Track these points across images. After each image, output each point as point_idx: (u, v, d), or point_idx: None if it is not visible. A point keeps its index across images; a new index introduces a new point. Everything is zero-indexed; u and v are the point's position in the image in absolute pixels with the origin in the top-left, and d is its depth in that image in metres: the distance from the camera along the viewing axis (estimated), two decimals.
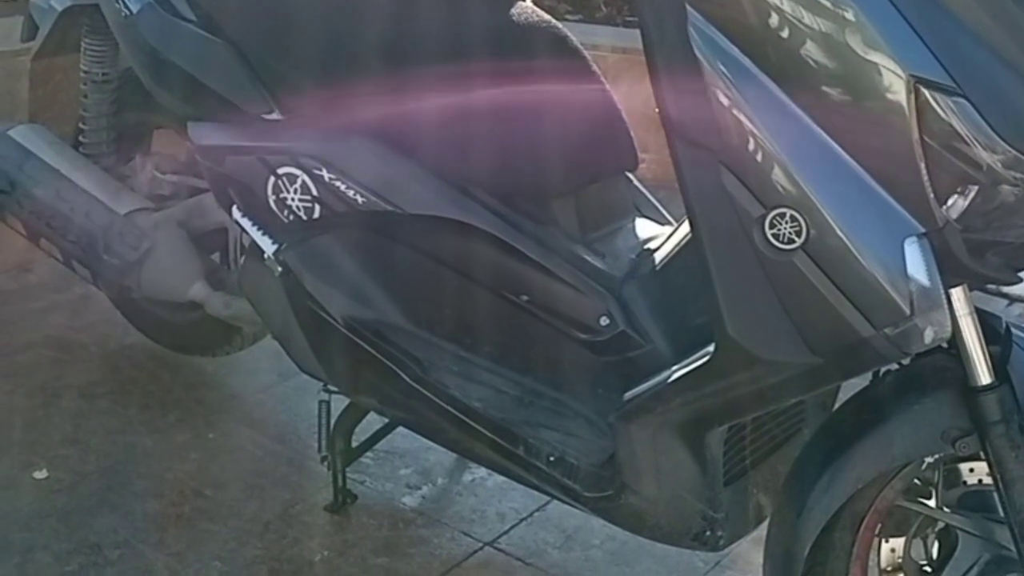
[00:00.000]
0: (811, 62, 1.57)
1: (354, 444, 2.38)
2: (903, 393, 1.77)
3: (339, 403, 2.28)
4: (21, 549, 2.19)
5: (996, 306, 2.97)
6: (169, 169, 2.51)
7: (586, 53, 2.13)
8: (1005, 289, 3.03)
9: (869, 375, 1.80)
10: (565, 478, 1.95)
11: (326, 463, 2.33)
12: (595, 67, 2.12)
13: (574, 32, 2.21)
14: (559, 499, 2.00)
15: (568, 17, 4.32)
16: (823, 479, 1.77)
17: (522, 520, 2.39)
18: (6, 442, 2.49)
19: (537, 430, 1.97)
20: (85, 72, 2.53)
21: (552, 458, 1.95)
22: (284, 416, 2.64)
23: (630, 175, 2.19)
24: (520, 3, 2.15)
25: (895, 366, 1.79)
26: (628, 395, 1.86)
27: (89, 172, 2.47)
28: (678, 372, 1.79)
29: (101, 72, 2.52)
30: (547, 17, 2.15)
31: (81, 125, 2.57)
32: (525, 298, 2.03)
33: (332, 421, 2.30)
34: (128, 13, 2.24)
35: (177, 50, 2.19)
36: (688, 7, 1.62)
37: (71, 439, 2.52)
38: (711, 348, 1.71)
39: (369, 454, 2.48)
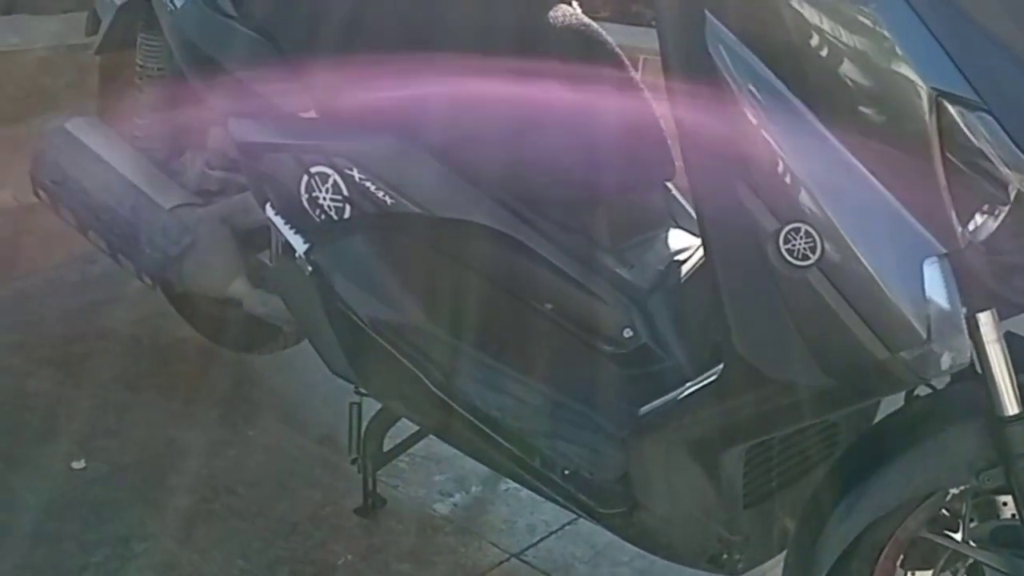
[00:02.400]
0: (848, 81, 1.51)
1: (387, 447, 2.36)
2: (930, 419, 1.70)
3: (372, 405, 2.27)
4: (50, 538, 2.21)
5: None
6: (218, 165, 2.51)
7: (626, 59, 2.08)
8: None
9: (902, 398, 1.74)
10: (579, 492, 1.91)
11: (356, 466, 2.32)
12: (634, 73, 2.07)
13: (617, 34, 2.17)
14: (575, 513, 1.97)
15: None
16: (842, 505, 1.70)
17: (552, 533, 2.35)
18: (50, 431, 2.51)
19: (554, 442, 1.94)
20: (140, 66, 2.56)
21: (567, 471, 1.91)
22: (325, 417, 2.63)
23: (670, 185, 2.14)
24: (560, 5, 2.11)
25: (926, 390, 1.73)
26: (643, 410, 1.82)
27: (139, 166, 2.49)
28: (689, 389, 1.74)
29: (156, 67, 2.53)
30: (587, 20, 2.11)
31: (136, 119, 2.59)
32: (550, 306, 2.00)
33: (364, 423, 2.29)
34: (173, 8, 2.26)
35: (217, 46, 2.19)
36: (707, 14, 1.58)
37: (113, 431, 2.54)
38: (721, 365, 1.66)
39: (404, 458, 2.46)
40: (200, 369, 2.81)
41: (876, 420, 1.87)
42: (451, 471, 2.50)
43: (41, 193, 2.56)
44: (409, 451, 2.43)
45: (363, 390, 2.21)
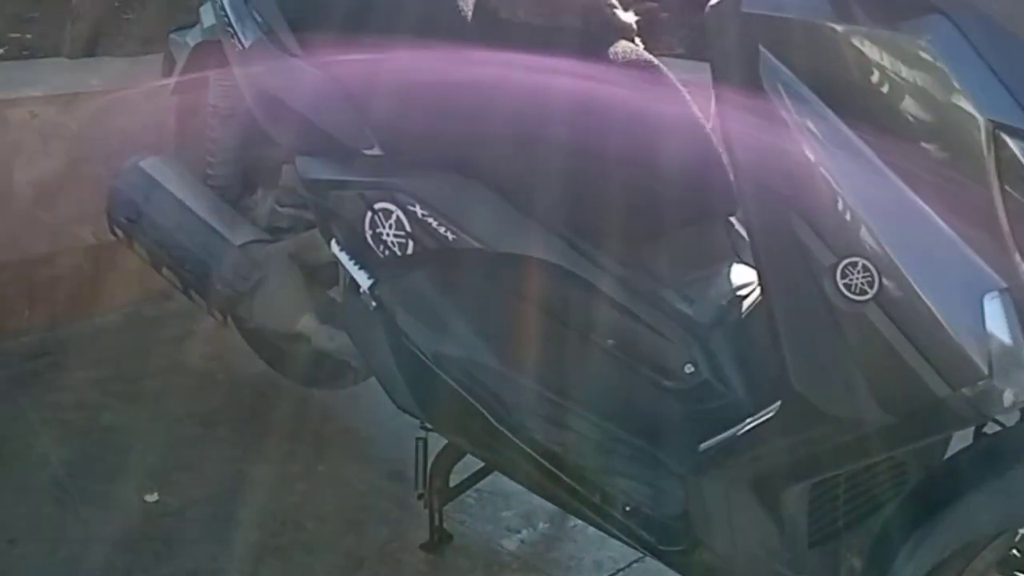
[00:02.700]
0: (909, 117, 1.50)
1: (454, 483, 2.36)
2: (998, 457, 1.66)
3: (439, 441, 2.27)
4: (121, 571, 2.23)
5: None
6: (288, 202, 2.54)
7: (686, 93, 2.08)
8: None
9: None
10: (640, 529, 1.89)
11: (423, 501, 2.32)
12: (695, 108, 2.06)
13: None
14: (636, 549, 1.95)
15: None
16: (908, 545, 1.66)
17: (619, 570, 2.33)
18: (124, 465, 2.55)
19: (615, 478, 1.92)
20: (213, 106, 2.60)
21: (628, 508, 1.90)
22: (395, 452, 2.63)
23: (733, 219, 2.13)
24: (621, 41, 2.11)
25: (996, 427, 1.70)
26: (702, 447, 1.80)
27: (210, 204, 2.53)
28: (748, 425, 1.72)
29: (227, 106, 2.58)
30: (647, 56, 2.10)
31: (209, 158, 2.64)
32: (611, 342, 1.99)
33: (431, 458, 2.29)
34: (242, 48, 2.30)
35: (283, 85, 2.23)
36: (762, 50, 1.57)
37: (185, 465, 2.57)
38: (779, 402, 1.64)
39: (472, 494, 2.46)
40: (272, 404, 2.84)
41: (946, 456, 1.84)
42: (518, 507, 2.49)
43: (117, 231, 2.61)
44: (476, 487, 2.43)
45: (428, 425, 2.22)
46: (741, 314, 1.93)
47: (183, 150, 3.00)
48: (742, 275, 2.05)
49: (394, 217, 2.08)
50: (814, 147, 1.55)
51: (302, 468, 2.60)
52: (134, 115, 3.06)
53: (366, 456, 2.67)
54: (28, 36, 3.81)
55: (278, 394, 2.86)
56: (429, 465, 2.29)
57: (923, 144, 1.49)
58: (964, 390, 1.49)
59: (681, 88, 2.08)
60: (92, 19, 3.48)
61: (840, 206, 1.53)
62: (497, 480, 2.43)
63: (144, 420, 2.72)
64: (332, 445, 2.70)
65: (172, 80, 2.69)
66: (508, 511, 2.49)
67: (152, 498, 2.45)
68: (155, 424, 2.71)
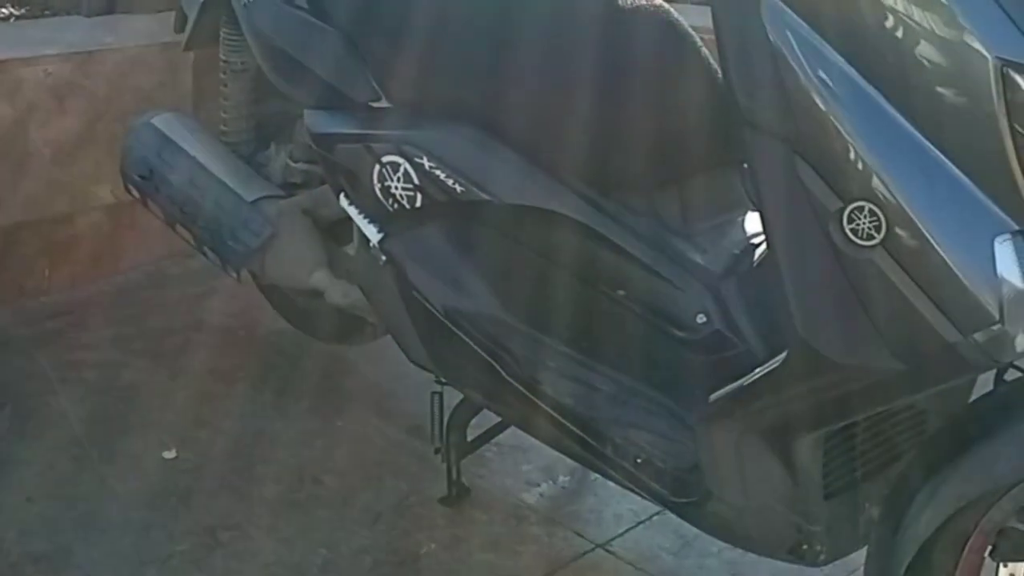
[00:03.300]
0: (925, 62, 1.46)
1: (472, 437, 2.35)
2: (1018, 404, 1.62)
3: (456, 395, 2.25)
4: (139, 527, 2.23)
5: None
6: (301, 157, 2.52)
7: (697, 38, 2.03)
8: None
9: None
10: (652, 481, 1.87)
11: (440, 455, 2.31)
12: (706, 52, 2.02)
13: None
14: (650, 501, 1.93)
15: None
16: (923, 495, 1.63)
17: (640, 523, 2.32)
18: (143, 421, 2.55)
19: (626, 430, 1.90)
20: (224, 61, 2.57)
21: (639, 460, 1.87)
22: (414, 406, 2.60)
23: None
24: None
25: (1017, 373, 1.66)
26: (712, 397, 1.77)
27: (223, 159, 2.51)
28: (756, 375, 1.69)
29: (240, 61, 2.55)
30: (659, 2, 2.06)
31: (222, 114, 2.62)
32: (622, 293, 1.96)
33: (448, 412, 2.28)
34: (247, 1, 2.27)
35: (288, 38, 2.21)
36: None
37: (204, 421, 2.56)
38: (785, 352, 1.61)
39: (491, 447, 2.44)
40: (293, 360, 2.83)
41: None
42: (538, 460, 2.47)
43: (131, 188, 2.60)
44: (496, 440, 2.41)
45: (443, 379, 2.21)
46: (753, 263, 1.89)
47: (201, 106, 3.00)
48: (757, 223, 2.00)
49: (402, 170, 2.06)
50: (820, 92, 1.51)
51: (321, 424, 2.59)
52: (151, 72, 3.05)
53: (386, 411, 2.66)
54: None
55: (299, 350, 2.85)
56: (446, 419, 2.28)
57: (937, 89, 1.45)
58: (975, 335, 1.45)
59: (693, 33, 2.04)
60: None
61: (846, 150, 1.49)
62: (516, 434, 2.40)
63: (164, 377, 2.72)
64: (352, 400, 2.69)
65: (184, 36, 2.67)
66: (528, 464, 2.48)
67: (170, 455, 2.44)
68: (175, 381, 2.71)
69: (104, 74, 3.00)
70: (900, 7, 1.46)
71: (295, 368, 2.80)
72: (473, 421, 2.32)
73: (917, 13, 1.45)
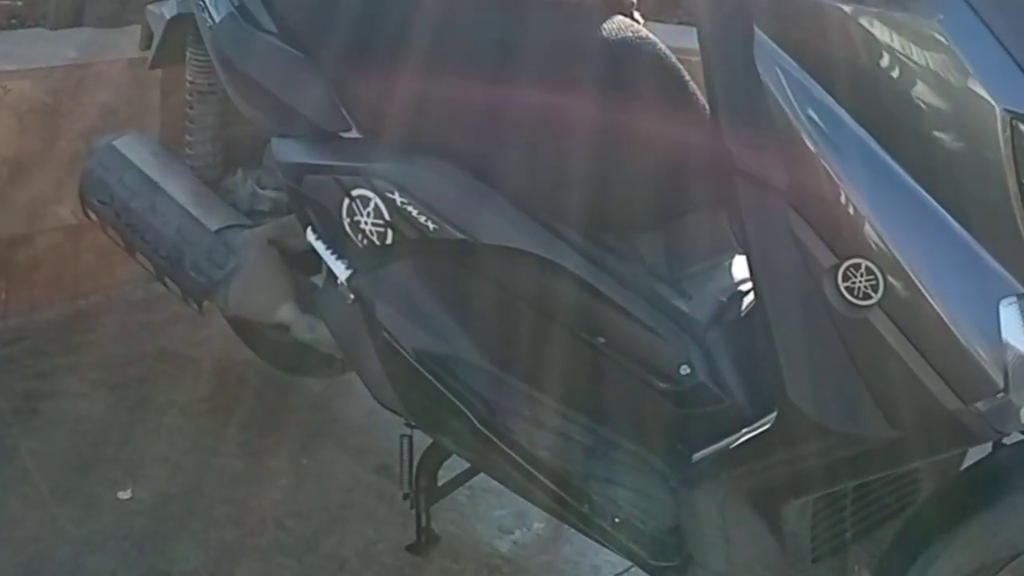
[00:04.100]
0: (921, 104, 1.37)
1: (444, 480, 2.24)
2: (1017, 472, 1.53)
3: (426, 437, 2.15)
4: (90, 572, 2.12)
5: None
6: (269, 184, 2.41)
7: (685, 73, 1.93)
8: None
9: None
10: (630, 542, 1.77)
11: (408, 501, 2.20)
12: (695, 88, 1.92)
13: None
14: (629, 560, 1.83)
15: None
16: (917, 565, 1.54)
17: (618, 575, 2.21)
18: (98, 457, 2.44)
19: (605, 486, 1.80)
20: (190, 82, 2.47)
21: (617, 520, 1.77)
22: (383, 444, 2.51)
23: None
24: (617, 17, 1.97)
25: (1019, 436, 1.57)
26: (696, 456, 1.68)
27: (188, 185, 2.40)
28: (743, 437, 1.59)
29: (207, 83, 2.44)
30: (644, 33, 1.96)
31: (187, 137, 2.51)
32: (602, 340, 1.85)
33: (418, 456, 2.17)
34: (212, 23, 2.17)
35: (255, 63, 2.10)
36: (756, 30, 1.44)
37: (163, 458, 2.46)
38: (775, 413, 1.52)
39: (464, 491, 2.34)
40: (258, 393, 2.72)
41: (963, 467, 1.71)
42: (512, 505, 2.36)
43: (90, 213, 2.49)
44: (468, 483, 2.31)
45: (412, 423, 2.11)
46: (740, 312, 1.80)
47: (169, 124, 2.89)
48: (743, 268, 1.91)
49: (372, 204, 1.95)
50: (814, 138, 1.42)
51: (286, 461, 2.48)
52: (116, 89, 2.94)
53: (354, 448, 2.55)
54: (19, 3, 3.67)
55: (265, 382, 2.75)
56: (416, 463, 2.18)
57: (935, 133, 1.36)
58: (977, 404, 1.37)
59: (680, 67, 1.94)
60: None
61: (842, 202, 1.40)
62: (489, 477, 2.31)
63: (122, 410, 2.61)
64: (318, 436, 2.59)
65: (150, 54, 2.56)
66: (501, 510, 2.38)
67: (126, 495, 2.34)
68: (134, 414, 2.60)
69: (67, 90, 2.89)
70: (897, 46, 1.37)
71: (260, 401, 2.69)
72: (446, 463, 2.21)
73: (916, 52, 1.36)
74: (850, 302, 1.41)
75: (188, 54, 2.44)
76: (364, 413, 2.65)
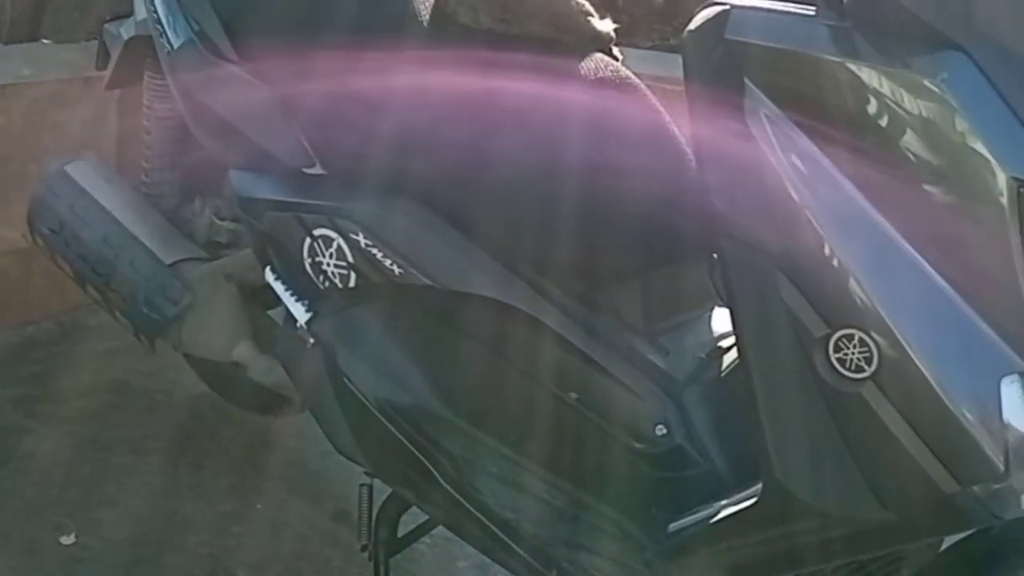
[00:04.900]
0: (910, 155, 1.29)
1: (405, 531, 2.14)
2: (1006, 552, 1.45)
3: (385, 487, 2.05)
4: None
5: None
6: (229, 215, 2.30)
7: (667, 116, 1.84)
8: None
9: None
10: None
11: (367, 553, 2.10)
12: (675, 132, 1.83)
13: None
14: None
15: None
16: None
17: None
18: (41, 499, 2.32)
19: (576, 553, 1.70)
20: (147, 107, 2.35)
21: None
22: (342, 489, 2.41)
23: (716, 256, 1.90)
24: (595, 55, 1.88)
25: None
26: (672, 527, 1.58)
27: (142, 215, 2.29)
28: (724, 511, 1.50)
29: (165, 108, 2.33)
30: (624, 73, 1.87)
31: (144, 164, 2.40)
32: (574, 395, 1.76)
33: (377, 505, 2.07)
34: (170, 49, 2.06)
35: (215, 93, 1.99)
36: (746, 81, 1.35)
37: (110, 500, 2.34)
38: (759, 487, 1.42)
39: (426, 539, 2.23)
40: (213, 430, 2.61)
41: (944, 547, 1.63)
42: (476, 557, 2.24)
43: (38, 240, 2.37)
44: (431, 532, 2.21)
45: (372, 473, 2.00)
46: (721, 371, 1.71)
47: (127, 145, 2.77)
48: (725, 322, 1.82)
49: (335, 245, 1.85)
50: (806, 198, 1.33)
51: (240, 505, 2.38)
52: (72, 108, 2.82)
53: (311, 492, 2.45)
54: None
55: (220, 419, 2.64)
56: (375, 513, 2.08)
57: (931, 189, 1.28)
58: (975, 488, 1.28)
59: (660, 108, 1.85)
60: None
61: (834, 267, 1.31)
62: None
63: (68, 447, 2.49)
64: (274, 479, 2.48)
65: (106, 75, 2.45)
66: (464, 560, 2.29)
67: (69, 540, 2.22)
68: (82, 452, 2.48)
69: (19, 109, 2.77)
70: (886, 91, 1.29)
71: (214, 439, 2.59)
72: (406, 513, 2.11)
73: (918, 108, 1.28)
74: (842, 375, 1.32)
75: (146, 78, 2.33)
76: (320, 454, 2.52)
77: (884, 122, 1.31)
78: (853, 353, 1.31)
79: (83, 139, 2.74)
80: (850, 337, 1.31)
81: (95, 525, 2.26)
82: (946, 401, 1.27)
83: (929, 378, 1.27)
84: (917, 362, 1.28)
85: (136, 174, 2.44)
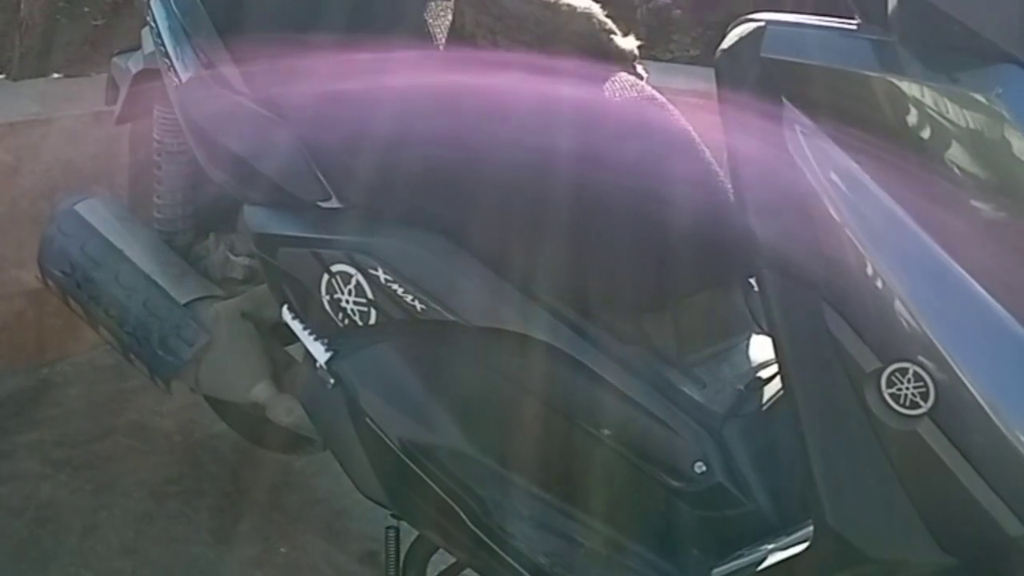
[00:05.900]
0: (956, 169, 1.21)
1: (435, 573, 2.06)
2: None
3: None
4: None
5: None
6: (244, 250, 2.24)
7: (696, 136, 1.77)
8: None
9: None
10: None
11: None
12: (707, 152, 1.76)
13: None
14: None
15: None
16: None
17: None
18: (59, 548, 2.25)
19: None
20: (157, 141, 2.29)
21: None
22: (368, 529, 2.33)
23: (753, 281, 1.82)
24: (619, 75, 1.81)
25: None
26: (716, 572, 1.50)
27: (155, 254, 2.22)
28: (772, 557, 1.42)
29: (176, 142, 2.26)
30: (651, 91, 1.80)
31: (156, 200, 2.33)
32: (607, 432, 1.68)
33: (406, 547, 1.99)
34: (179, 83, 2.00)
35: (227, 127, 1.93)
36: (784, 101, 1.27)
37: (129, 547, 2.27)
38: (810, 531, 1.34)
39: None
40: (234, 471, 2.54)
41: None
42: None
43: (50, 283, 2.31)
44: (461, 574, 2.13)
45: (398, 516, 1.93)
46: (762, 404, 1.63)
47: (139, 180, 2.70)
48: (764, 351, 1.73)
49: (354, 281, 1.78)
50: (852, 224, 1.25)
51: (262, 550, 2.30)
52: (83, 145, 2.76)
53: (337, 533, 2.37)
54: None
55: (241, 458, 2.56)
56: (403, 555, 2.00)
57: (979, 206, 1.21)
58: None
59: (689, 128, 1.78)
60: (44, 31, 3.15)
61: (885, 297, 1.23)
62: None
63: (87, 492, 2.42)
64: (298, 520, 2.40)
65: (116, 109, 2.39)
66: None
67: None
68: (99, 498, 2.41)
69: (28, 147, 2.71)
70: (928, 101, 1.21)
71: (235, 480, 2.51)
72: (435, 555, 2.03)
73: (953, 111, 1.20)
74: (896, 412, 1.24)
75: (156, 111, 2.27)
76: (345, 492, 2.44)
77: (928, 136, 1.23)
78: (908, 388, 1.23)
79: (94, 174, 2.68)
80: (904, 371, 1.23)
81: (114, 574, 2.19)
82: (1008, 437, 1.18)
83: (990, 413, 1.19)
84: (977, 396, 1.19)
85: (149, 209, 2.38)
